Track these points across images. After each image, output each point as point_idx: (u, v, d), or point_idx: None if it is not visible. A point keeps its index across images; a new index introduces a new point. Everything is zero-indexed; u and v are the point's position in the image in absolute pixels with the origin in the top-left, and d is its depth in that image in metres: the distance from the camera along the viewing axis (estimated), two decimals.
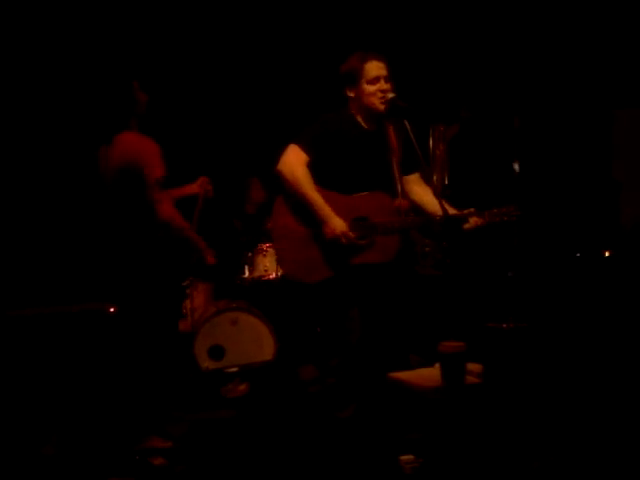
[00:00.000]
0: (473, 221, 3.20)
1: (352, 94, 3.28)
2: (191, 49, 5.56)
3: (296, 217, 3.24)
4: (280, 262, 3.69)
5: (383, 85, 3.20)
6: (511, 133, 5.51)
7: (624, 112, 5.79)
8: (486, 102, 5.74)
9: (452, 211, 3.22)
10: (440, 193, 4.14)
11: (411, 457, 2.96)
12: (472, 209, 3.23)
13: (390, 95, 3.19)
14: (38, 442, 3.39)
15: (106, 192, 3.70)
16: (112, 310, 4.34)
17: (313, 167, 3.19)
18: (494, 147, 5.73)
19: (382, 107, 3.21)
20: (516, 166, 5.66)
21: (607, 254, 5.20)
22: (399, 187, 3.28)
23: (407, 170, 3.39)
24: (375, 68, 3.21)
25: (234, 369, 4.54)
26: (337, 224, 3.12)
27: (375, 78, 3.20)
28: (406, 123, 3.13)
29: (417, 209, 3.39)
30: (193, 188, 3.95)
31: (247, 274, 5.13)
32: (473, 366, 2.91)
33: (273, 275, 5.02)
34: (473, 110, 5.80)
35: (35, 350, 3.95)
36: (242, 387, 4.40)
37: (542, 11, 5.19)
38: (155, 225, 3.51)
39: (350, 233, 3.13)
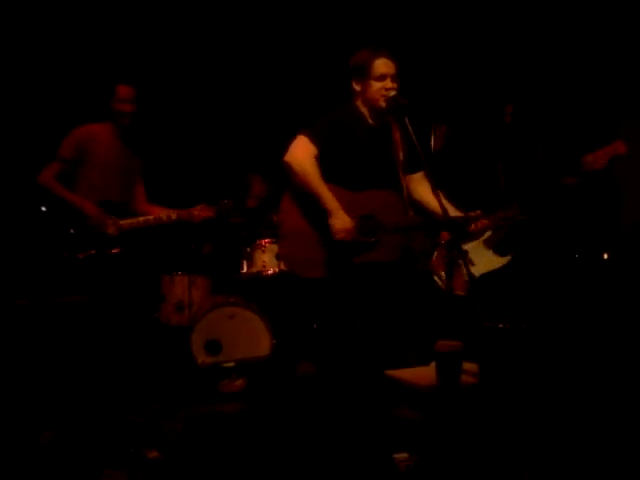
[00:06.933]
0: (479, 223, 3.18)
1: (358, 88, 3.27)
2: (190, 45, 5.54)
3: (302, 211, 3.22)
4: (283, 256, 3.68)
5: (388, 84, 3.19)
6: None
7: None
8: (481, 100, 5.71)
9: (455, 212, 3.20)
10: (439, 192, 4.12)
11: (405, 455, 2.96)
12: (478, 211, 3.20)
13: (392, 93, 3.18)
14: (33, 432, 3.38)
15: None
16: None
17: (320, 160, 3.17)
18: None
19: (383, 105, 3.20)
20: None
21: (606, 256, 5.19)
22: (403, 185, 3.27)
23: (411, 169, 3.38)
24: (384, 65, 3.20)
25: (231, 364, 4.54)
26: (344, 219, 3.09)
27: (382, 75, 3.19)
28: (407, 121, 3.12)
29: (420, 208, 3.38)
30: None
31: (245, 269, 5.12)
32: (469, 365, 2.91)
33: (271, 271, 5.01)
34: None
35: (33, 338, 3.97)
36: (239, 382, 4.39)
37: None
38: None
39: (355, 230, 3.11)
